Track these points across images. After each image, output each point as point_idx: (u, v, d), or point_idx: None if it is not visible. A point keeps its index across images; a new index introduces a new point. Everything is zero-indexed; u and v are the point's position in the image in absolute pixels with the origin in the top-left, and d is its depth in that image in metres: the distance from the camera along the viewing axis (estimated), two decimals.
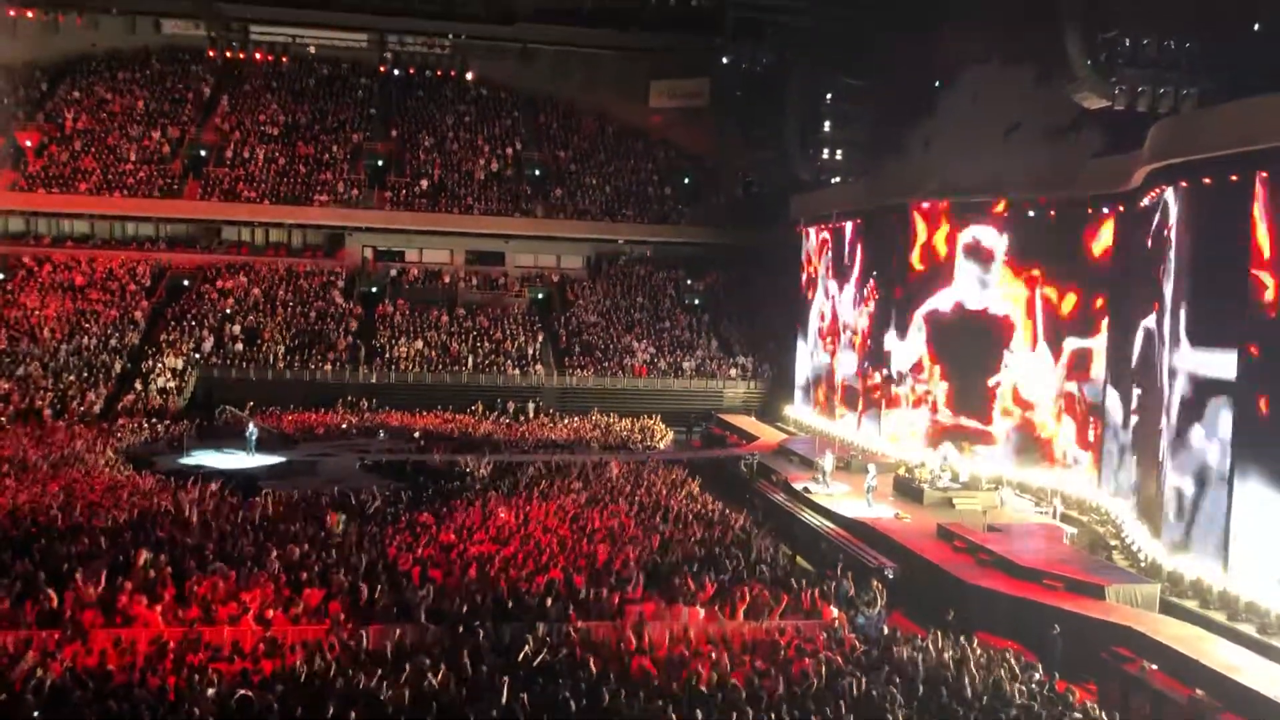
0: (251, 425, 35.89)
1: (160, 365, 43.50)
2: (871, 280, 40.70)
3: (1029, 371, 33.18)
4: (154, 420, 38.76)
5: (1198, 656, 18.09)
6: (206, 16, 53.68)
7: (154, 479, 29.44)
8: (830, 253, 45.01)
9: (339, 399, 43.56)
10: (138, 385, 42.12)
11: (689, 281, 55.96)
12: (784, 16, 46.51)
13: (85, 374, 42.13)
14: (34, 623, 16.80)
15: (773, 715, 14.63)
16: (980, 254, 34.99)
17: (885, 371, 38.11)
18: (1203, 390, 23.37)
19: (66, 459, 31.00)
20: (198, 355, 44.88)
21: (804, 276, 48.07)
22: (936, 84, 37.81)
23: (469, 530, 24.03)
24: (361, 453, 36.16)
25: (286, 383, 44.41)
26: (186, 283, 50.51)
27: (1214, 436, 22.86)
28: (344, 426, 40.45)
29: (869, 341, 40.47)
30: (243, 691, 14.35)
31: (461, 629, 17.58)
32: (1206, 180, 23.59)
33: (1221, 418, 22.56)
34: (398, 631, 17.60)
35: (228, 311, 48.23)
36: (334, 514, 24.71)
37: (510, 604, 18.96)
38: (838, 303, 43.98)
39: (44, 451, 31.83)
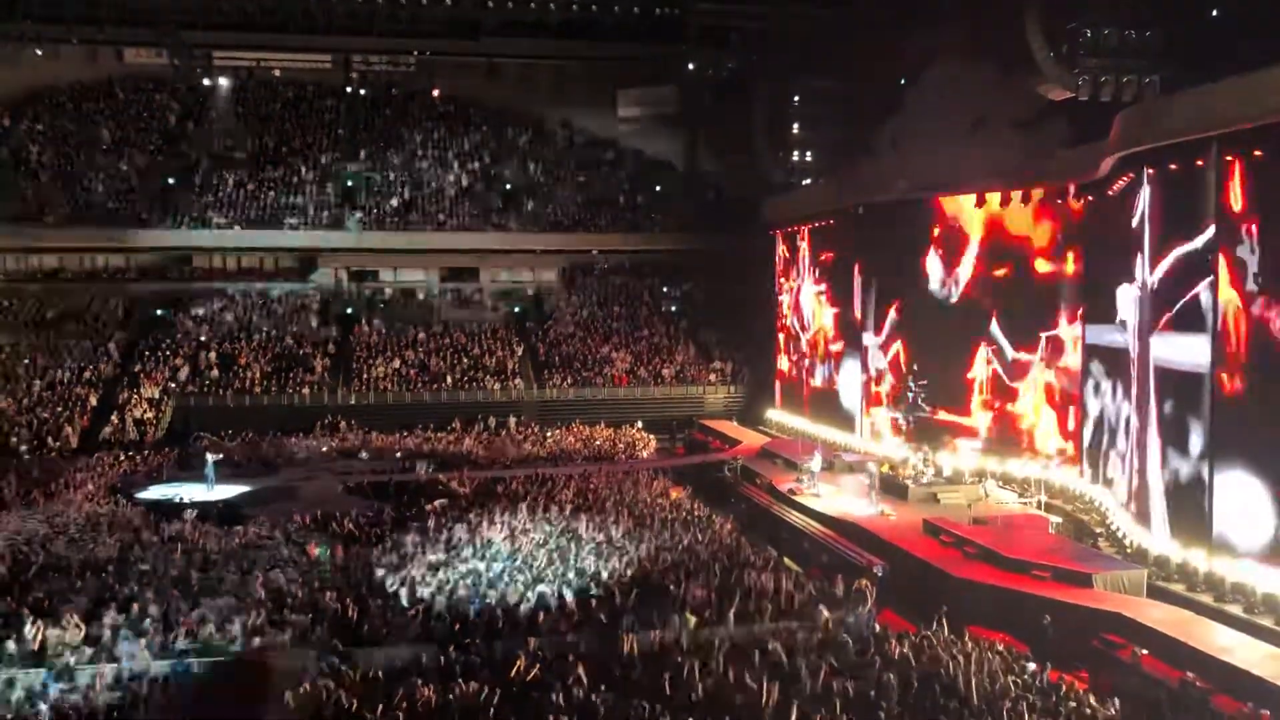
0: (208, 457, 34.91)
1: (136, 396, 43.12)
2: (846, 279, 40.87)
3: (1005, 363, 33.33)
4: (132, 452, 38.41)
5: (1187, 640, 18.17)
6: (169, 44, 53.30)
7: (135, 511, 29.14)
8: (805, 254, 45.16)
9: (318, 422, 43.26)
10: (114, 418, 41.74)
11: (665, 289, 55.97)
12: (747, 21, 46.65)
13: (60, 408, 41.71)
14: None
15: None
16: (952, 248, 35.17)
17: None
18: (1179, 374, 23.53)
19: (45, 494, 30.67)
20: (174, 384, 44.49)
21: (779, 279, 48.19)
22: (902, 82, 38.03)
23: (455, 548, 23.90)
24: (343, 475, 35.90)
25: (264, 408, 44.06)
26: (159, 312, 50.09)
27: (1192, 420, 23.01)
28: (324, 450, 40.17)
29: (845, 341, 40.61)
30: None
31: (453, 647, 17.47)
32: (1173, 166, 23.79)
33: (1198, 401, 22.72)
34: (388, 653, 17.49)
35: (202, 339, 47.86)
36: (313, 546, 24.36)
37: (501, 619, 18.87)
38: (814, 303, 44.10)
39: (22, 488, 31.50)
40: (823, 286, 43.14)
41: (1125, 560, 23.49)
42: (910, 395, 31.87)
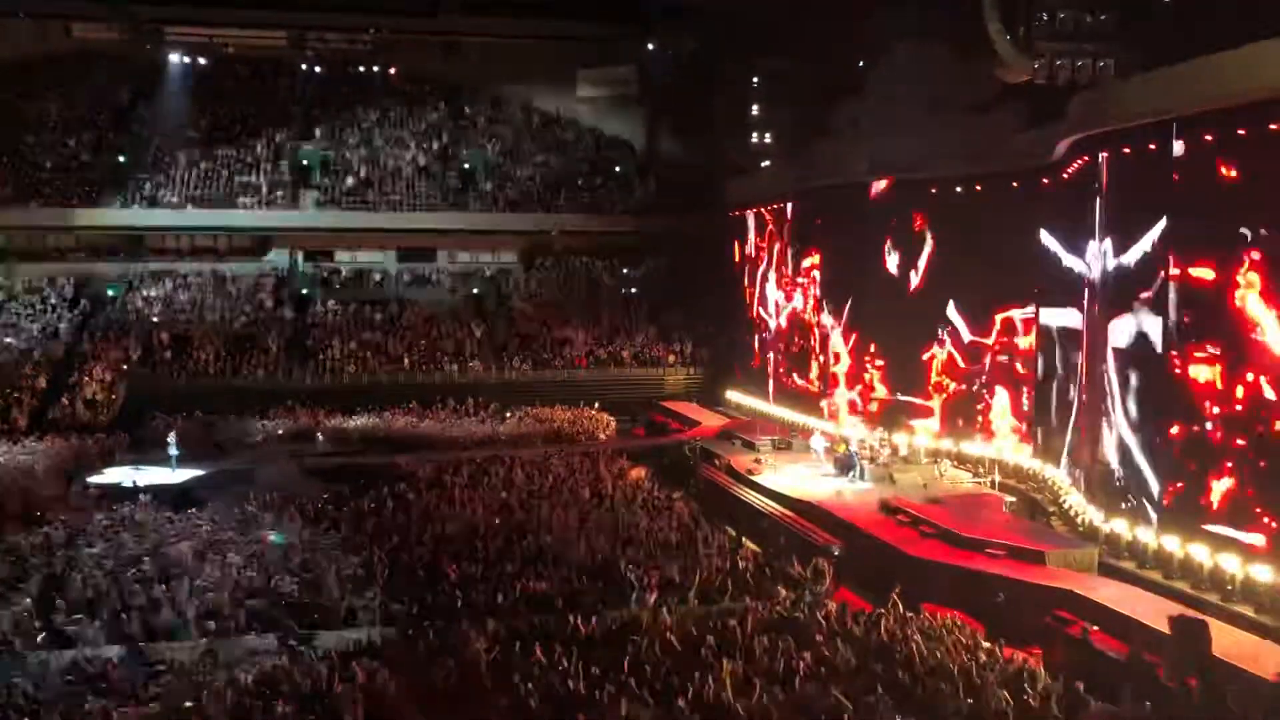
0: (171, 437, 34.20)
1: (87, 377, 42.41)
2: (806, 261, 41.04)
3: (960, 343, 33.62)
4: (83, 433, 37.81)
5: (1136, 616, 18.49)
6: (118, 19, 52.25)
7: (85, 494, 28.75)
8: (765, 236, 45.25)
9: (273, 404, 42.75)
10: (64, 399, 41.05)
11: (625, 270, 55.85)
12: (707, 1, 46.55)
13: (9, 390, 40.93)
14: None
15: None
16: (909, 230, 35.36)
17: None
18: (1132, 356, 23.88)
19: None
20: (125, 366, 43.79)
21: (740, 260, 48.27)
22: (861, 64, 38.12)
23: (414, 531, 23.83)
24: (299, 458, 35.59)
25: (219, 389, 43.44)
26: (111, 292, 49.29)
27: (1144, 401, 23.38)
28: (279, 432, 39.78)
29: (804, 322, 40.80)
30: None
31: (411, 631, 17.44)
32: (1125, 149, 24.08)
33: (1151, 382, 23.08)
34: (346, 635, 17.44)
35: (154, 320, 47.15)
36: (265, 536, 24.05)
37: (460, 602, 18.86)
38: (774, 285, 44.25)
39: None
40: (783, 268, 43.26)
41: (1076, 538, 23.86)
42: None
